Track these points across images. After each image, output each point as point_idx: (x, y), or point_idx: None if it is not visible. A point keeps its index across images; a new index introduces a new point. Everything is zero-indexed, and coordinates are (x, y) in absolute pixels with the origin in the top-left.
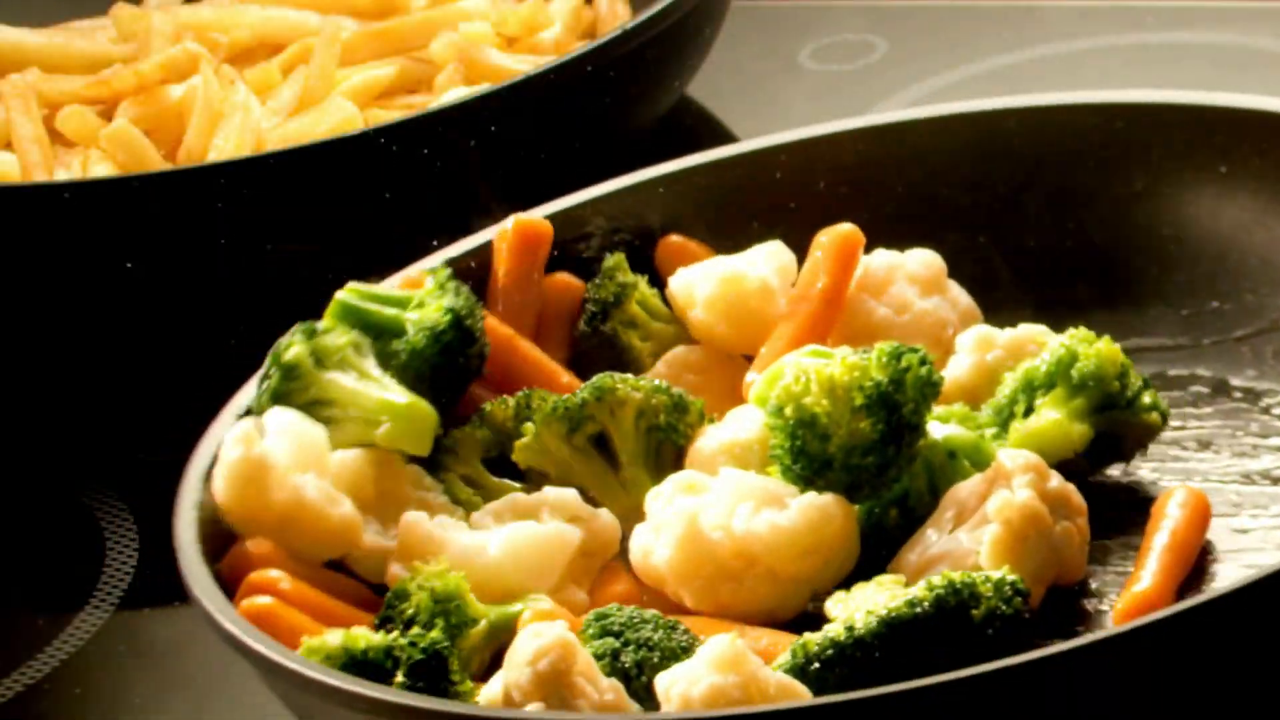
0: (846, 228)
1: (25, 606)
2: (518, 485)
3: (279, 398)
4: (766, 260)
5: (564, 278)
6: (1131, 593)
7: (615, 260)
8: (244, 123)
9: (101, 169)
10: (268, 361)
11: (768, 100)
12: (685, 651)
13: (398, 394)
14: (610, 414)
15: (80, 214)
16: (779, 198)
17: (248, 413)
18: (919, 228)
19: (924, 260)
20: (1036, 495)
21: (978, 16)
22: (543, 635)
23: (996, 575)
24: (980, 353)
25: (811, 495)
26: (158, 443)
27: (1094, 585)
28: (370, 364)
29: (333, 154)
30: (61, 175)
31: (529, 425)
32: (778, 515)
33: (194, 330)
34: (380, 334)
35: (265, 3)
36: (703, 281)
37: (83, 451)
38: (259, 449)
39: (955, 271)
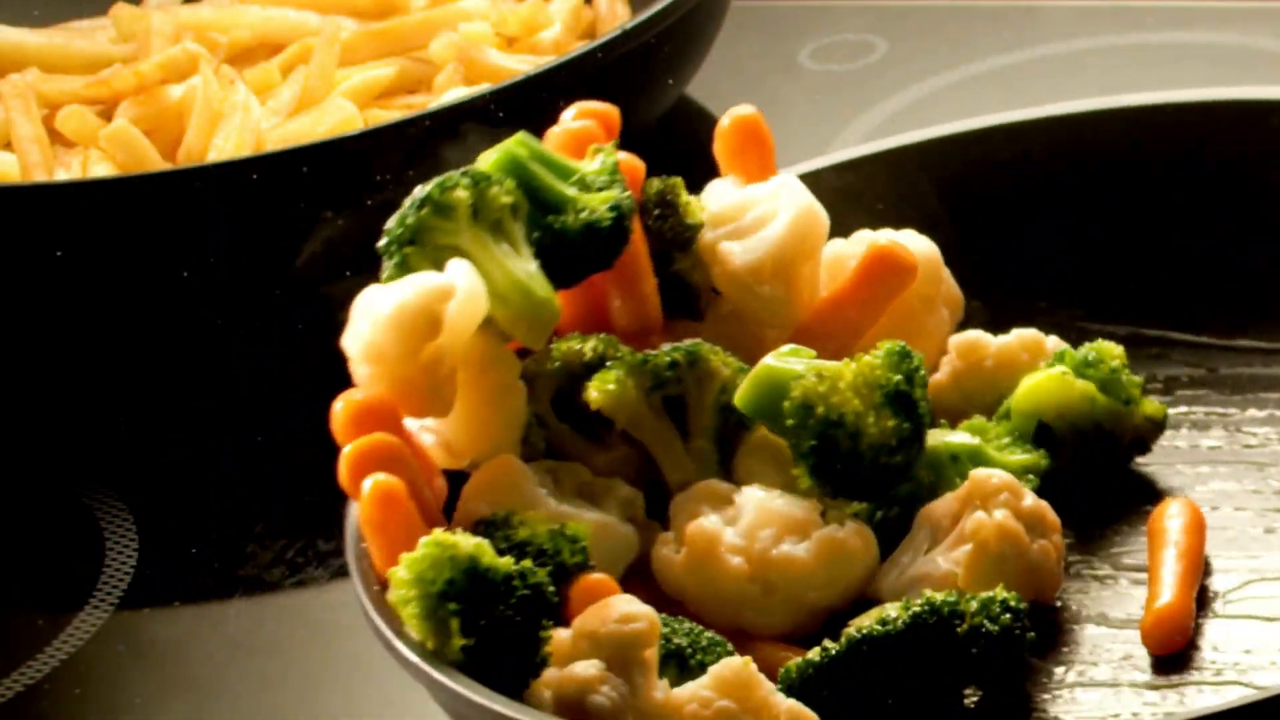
0: (901, 252)
1: (25, 606)
2: (578, 436)
3: (421, 232)
4: (780, 244)
5: (625, 160)
6: (1156, 608)
7: (673, 187)
8: (244, 123)
9: (101, 169)
10: (428, 188)
11: (768, 100)
12: (721, 645)
13: (539, 282)
14: (696, 383)
15: (80, 214)
16: (913, 197)
17: (376, 239)
18: (1079, 225)
19: (922, 251)
20: (1012, 515)
21: (978, 16)
22: (636, 604)
23: (987, 594)
24: (968, 359)
25: (833, 527)
26: (158, 443)
27: (1066, 601)
28: (520, 233)
29: (333, 154)
30: (61, 175)
31: (610, 373)
32: (797, 547)
33: (194, 330)
34: (533, 197)
35: (265, 3)
36: (718, 261)
37: (83, 451)
38: (446, 309)
39: (1123, 269)
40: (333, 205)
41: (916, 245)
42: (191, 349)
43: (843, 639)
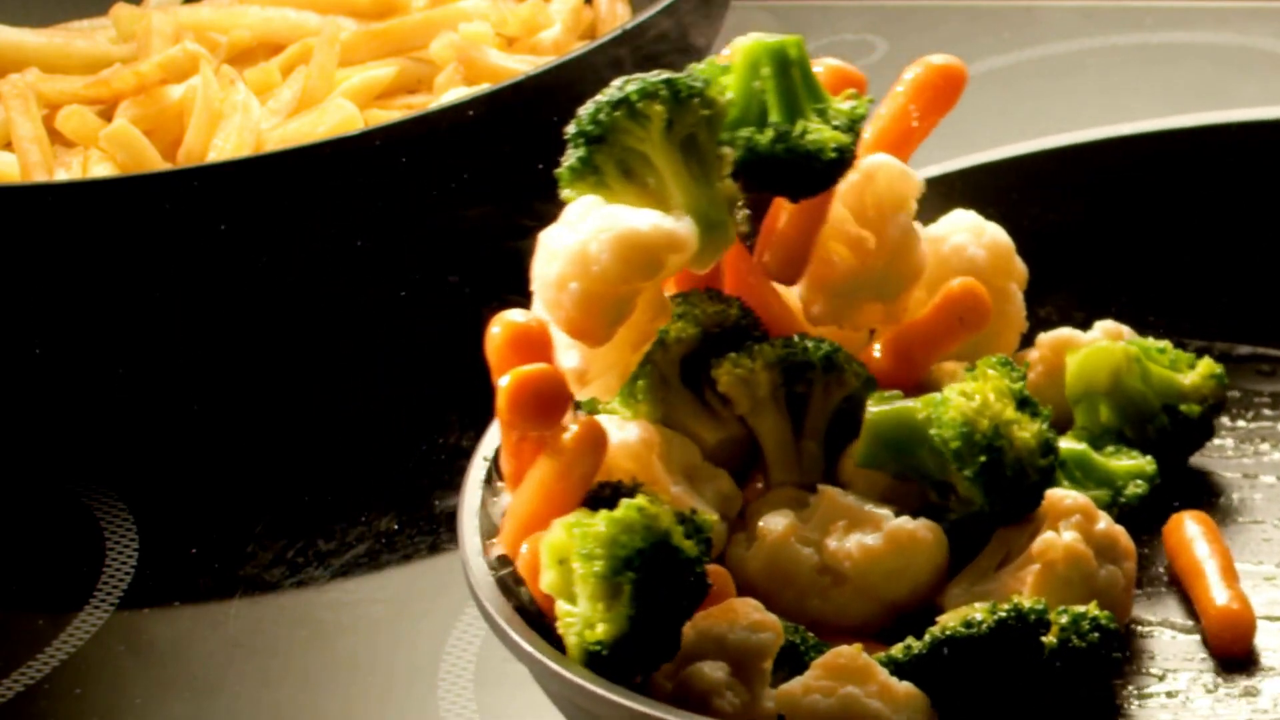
0: (980, 299)
1: (26, 606)
2: (697, 406)
3: (611, 132)
4: (854, 293)
5: (839, 68)
6: (1220, 609)
7: None
8: (244, 123)
9: (101, 169)
10: (627, 89)
11: None
12: (822, 643)
13: (718, 207)
14: (824, 387)
15: (80, 214)
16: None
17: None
18: (1206, 244)
19: (995, 240)
20: (1082, 538)
21: (977, 16)
22: (763, 612)
23: (1079, 610)
24: (1061, 355)
25: (904, 520)
26: (158, 443)
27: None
28: (711, 147)
29: (333, 154)
30: (61, 175)
31: (746, 358)
32: (867, 537)
33: (194, 330)
34: (776, 97)
35: (265, 3)
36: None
37: (83, 451)
38: (670, 260)
39: (1249, 288)
40: (333, 205)
41: (990, 233)
42: (192, 349)
43: (927, 637)
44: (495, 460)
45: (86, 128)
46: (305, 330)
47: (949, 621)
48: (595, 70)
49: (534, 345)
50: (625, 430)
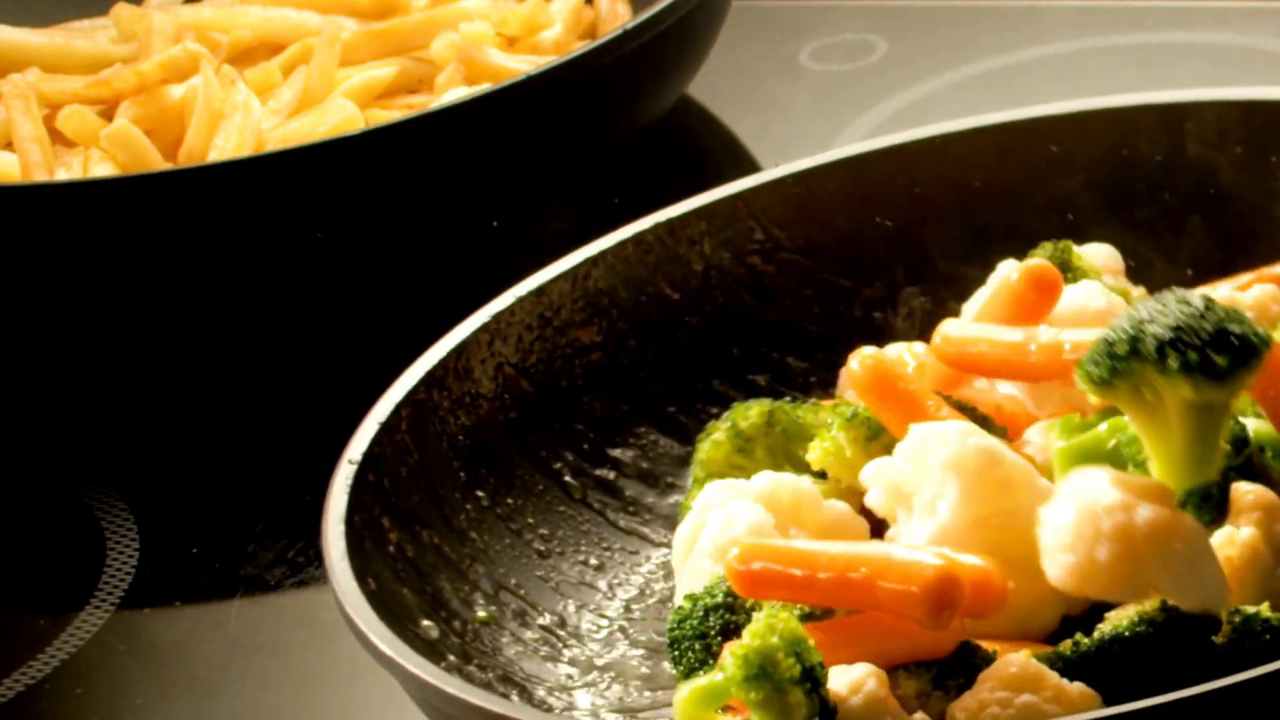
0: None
1: (26, 606)
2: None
3: (1119, 374)
4: None
5: None
6: None
7: (1065, 249)
8: (244, 123)
9: (102, 169)
10: (1168, 356)
11: (768, 100)
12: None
13: (1214, 476)
14: None
15: (80, 214)
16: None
17: None
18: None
19: (1105, 255)
20: (1261, 535)
21: (978, 16)
22: (853, 669)
23: (1251, 610)
24: None
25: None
26: (158, 443)
27: None
28: (1225, 414)
29: (333, 154)
30: (62, 175)
31: (825, 433)
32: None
33: (194, 330)
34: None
35: (266, 3)
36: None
37: (83, 451)
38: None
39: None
40: (333, 205)
41: (1097, 252)
42: (192, 349)
43: (1095, 634)
44: (363, 465)
45: (87, 128)
46: (305, 330)
47: (1117, 619)
48: (596, 70)
49: (995, 601)
50: (745, 509)
